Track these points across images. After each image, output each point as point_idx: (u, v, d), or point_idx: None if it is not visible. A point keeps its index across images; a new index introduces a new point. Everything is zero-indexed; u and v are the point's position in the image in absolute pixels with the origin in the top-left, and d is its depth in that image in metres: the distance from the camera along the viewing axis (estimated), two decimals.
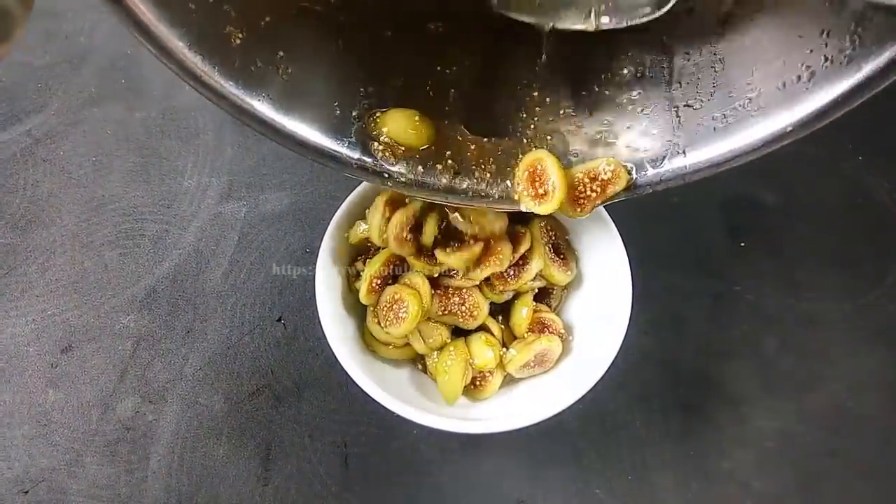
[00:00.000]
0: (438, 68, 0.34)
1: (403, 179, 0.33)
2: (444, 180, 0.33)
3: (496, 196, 0.34)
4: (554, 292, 0.40)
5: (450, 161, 0.33)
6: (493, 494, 0.40)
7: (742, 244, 0.48)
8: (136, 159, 0.50)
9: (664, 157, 0.32)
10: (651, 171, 0.32)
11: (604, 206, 0.35)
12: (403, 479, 0.40)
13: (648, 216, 0.45)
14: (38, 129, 0.51)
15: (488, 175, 0.34)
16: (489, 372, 0.37)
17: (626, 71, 0.33)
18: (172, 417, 0.41)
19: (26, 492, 0.39)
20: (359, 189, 0.38)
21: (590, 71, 0.33)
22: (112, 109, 0.52)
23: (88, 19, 0.57)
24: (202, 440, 0.40)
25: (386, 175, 0.33)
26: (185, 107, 0.53)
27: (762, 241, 0.48)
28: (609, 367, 0.34)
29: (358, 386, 0.33)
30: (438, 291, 0.37)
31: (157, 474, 0.39)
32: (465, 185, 0.34)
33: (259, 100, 0.29)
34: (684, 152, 0.32)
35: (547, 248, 0.38)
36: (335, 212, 0.37)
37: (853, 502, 0.40)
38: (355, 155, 0.32)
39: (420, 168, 0.33)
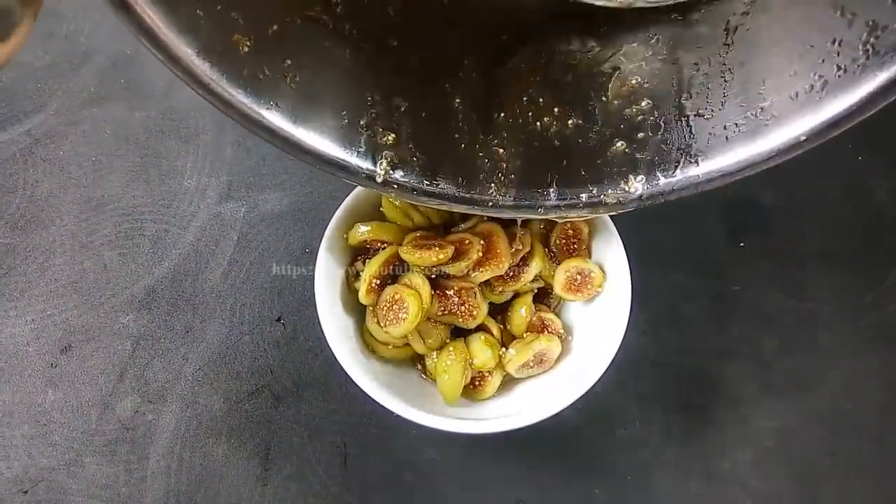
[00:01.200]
0: (446, 82, 0.33)
1: (412, 188, 0.32)
2: (451, 189, 0.33)
3: (512, 205, 0.33)
4: (553, 292, 0.40)
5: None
6: (492, 494, 0.40)
7: (742, 244, 0.48)
8: (136, 159, 0.50)
9: (676, 167, 0.32)
10: (663, 181, 0.32)
11: None
12: (403, 479, 0.40)
13: (648, 216, 0.44)
14: (38, 128, 0.51)
15: (500, 181, 0.33)
16: (488, 372, 0.37)
17: (634, 81, 0.32)
18: (172, 417, 0.41)
19: (26, 491, 0.39)
20: (358, 189, 0.38)
21: (597, 80, 0.33)
22: (112, 109, 0.52)
23: (88, 19, 0.57)
24: (201, 440, 0.40)
25: (395, 185, 0.33)
26: (185, 107, 0.53)
27: (762, 241, 0.48)
28: (608, 367, 0.34)
29: (357, 386, 0.33)
30: (437, 291, 0.37)
31: (156, 474, 0.39)
32: (470, 195, 0.33)
33: (267, 108, 0.29)
34: (697, 162, 0.31)
35: (546, 250, 0.38)
36: (335, 212, 0.37)
37: (852, 502, 0.40)
38: (364, 165, 0.32)
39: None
